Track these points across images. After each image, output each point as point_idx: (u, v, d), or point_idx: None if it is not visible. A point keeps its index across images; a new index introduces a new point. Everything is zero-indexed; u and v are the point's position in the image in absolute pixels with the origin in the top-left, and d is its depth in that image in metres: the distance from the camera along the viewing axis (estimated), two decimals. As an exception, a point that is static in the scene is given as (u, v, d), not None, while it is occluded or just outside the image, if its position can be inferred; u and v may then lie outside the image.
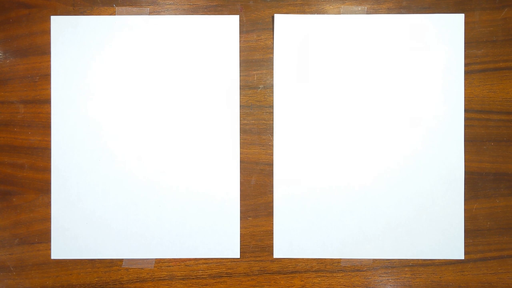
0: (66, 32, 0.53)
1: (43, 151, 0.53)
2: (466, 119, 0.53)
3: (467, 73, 0.53)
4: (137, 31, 0.53)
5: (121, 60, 0.53)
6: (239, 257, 0.53)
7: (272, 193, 0.53)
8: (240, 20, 0.53)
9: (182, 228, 0.53)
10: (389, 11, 0.53)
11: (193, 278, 0.53)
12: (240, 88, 0.53)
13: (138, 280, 0.53)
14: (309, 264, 0.53)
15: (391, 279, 0.53)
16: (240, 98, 0.53)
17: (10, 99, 0.53)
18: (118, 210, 0.53)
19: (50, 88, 0.53)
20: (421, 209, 0.52)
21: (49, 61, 0.53)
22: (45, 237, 0.53)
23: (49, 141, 0.53)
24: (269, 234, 0.53)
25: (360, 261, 0.53)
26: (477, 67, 0.53)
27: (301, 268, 0.53)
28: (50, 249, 0.53)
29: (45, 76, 0.53)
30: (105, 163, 0.53)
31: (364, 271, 0.53)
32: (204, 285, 0.53)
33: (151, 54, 0.53)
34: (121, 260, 0.53)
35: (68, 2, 0.53)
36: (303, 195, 0.53)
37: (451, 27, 0.53)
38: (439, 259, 0.52)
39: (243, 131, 0.53)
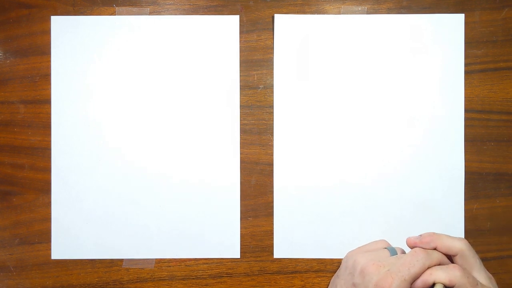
0: (66, 32, 0.53)
1: (43, 151, 0.53)
2: (466, 119, 0.53)
3: (467, 73, 0.53)
4: (137, 31, 0.53)
5: (121, 60, 0.53)
6: (239, 257, 0.53)
7: (272, 193, 0.53)
8: (240, 20, 0.53)
9: (182, 228, 0.53)
10: (389, 11, 0.53)
11: (193, 278, 0.53)
12: (240, 88, 0.53)
13: (138, 280, 0.53)
14: (309, 264, 0.53)
15: (391, 279, 0.53)
16: (240, 98, 0.53)
17: (10, 99, 0.53)
18: (118, 210, 0.53)
19: (50, 88, 0.53)
20: (421, 209, 0.52)
21: (49, 61, 0.53)
22: (45, 237, 0.53)
23: (49, 141, 0.53)
24: (269, 234, 0.53)
25: (360, 261, 0.52)
26: (477, 67, 0.53)
27: (301, 268, 0.53)
28: (50, 249, 0.53)
29: (45, 76, 0.53)
30: (105, 163, 0.53)
31: (364, 271, 0.53)
32: (205, 285, 0.53)
33: (151, 54, 0.53)
34: (121, 260, 0.53)
35: (68, 2, 0.53)
36: (303, 195, 0.53)
37: (451, 27, 0.53)
38: (439, 259, 0.52)
39: (243, 131, 0.53)
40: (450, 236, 0.43)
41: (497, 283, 0.49)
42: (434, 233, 0.44)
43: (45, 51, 0.53)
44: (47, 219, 0.53)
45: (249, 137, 0.53)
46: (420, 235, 0.44)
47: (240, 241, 0.53)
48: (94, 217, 0.53)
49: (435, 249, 0.43)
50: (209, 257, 0.53)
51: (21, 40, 0.53)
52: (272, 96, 0.53)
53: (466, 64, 0.53)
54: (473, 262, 0.42)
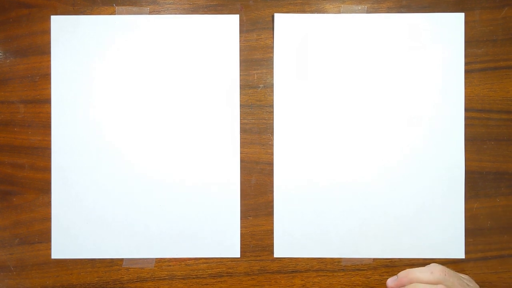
0: (66, 32, 0.53)
1: (43, 151, 0.53)
2: (466, 118, 0.53)
3: (467, 72, 0.53)
4: (137, 31, 0.53)
5: (121, 60, 0.53)
6: (239, 256, 0.53)
7: (272, 193, 0.53)
8: (240, 20, 0.53)
9: (182, 228, 0.53)
10: (389, 10, 0.53)
11: (193, 278, 0.53)
12: (240, 88, 0.53)
13: (138, 280, 0.53)
14: (310, 263, 0.53)
15: (392, 279, 0.53)
16: (240, 98, 0.53)
17: (10, 99, 0.53)
18: (118, 209, 0.53)
19: (50, 88, 0.53)
20: (421, 208, 0.52)
21: (49, 61, 0.53)
22: (45, 237, 0.53)
23: (49, 141, 0.53)
24: (269, 233, 0.53)
25: (361, 260, 0.52)
26: (477, 66, 0.53)
27: (302, 268, 0.53)
28: (50, 249, 0.53)
29: (45, 76, 0.53)
30: (105, 163, 0.53)
31: (364, 270, 0.53)
32: (205, 284, 0.53)
33: (151, 54, 0.53)
34: (121, 259, 0.53)
35: (68, 2, 0.53)
36: (303, 195, 0.52)
37: (451, 26, 0.53)
38: (439, 258, 0.52)
39: (243, 130, 0.53)
40: (422, 269, 0.43)
41: (498, 282, 0.49)
42: (408, 270, 0.43)
43: (45, 51, 0.53)
44: (47, 219, 0.53)
45: (249, 137, 0.53)
46: (397, 276, 0.44)
47: (240, 241, 0.53)
48: (94, 217, 0.53)
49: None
50: (209, 257, 0.53)
51: (21, 40, 0.53)
52: (272, 95, 0.53)
53: (466, 63, 0.53)
54: (457, 284, 0.42)
